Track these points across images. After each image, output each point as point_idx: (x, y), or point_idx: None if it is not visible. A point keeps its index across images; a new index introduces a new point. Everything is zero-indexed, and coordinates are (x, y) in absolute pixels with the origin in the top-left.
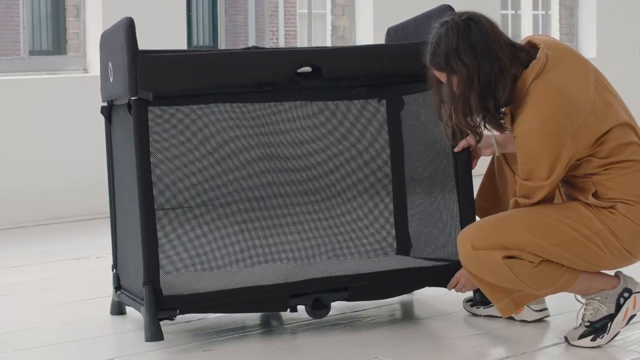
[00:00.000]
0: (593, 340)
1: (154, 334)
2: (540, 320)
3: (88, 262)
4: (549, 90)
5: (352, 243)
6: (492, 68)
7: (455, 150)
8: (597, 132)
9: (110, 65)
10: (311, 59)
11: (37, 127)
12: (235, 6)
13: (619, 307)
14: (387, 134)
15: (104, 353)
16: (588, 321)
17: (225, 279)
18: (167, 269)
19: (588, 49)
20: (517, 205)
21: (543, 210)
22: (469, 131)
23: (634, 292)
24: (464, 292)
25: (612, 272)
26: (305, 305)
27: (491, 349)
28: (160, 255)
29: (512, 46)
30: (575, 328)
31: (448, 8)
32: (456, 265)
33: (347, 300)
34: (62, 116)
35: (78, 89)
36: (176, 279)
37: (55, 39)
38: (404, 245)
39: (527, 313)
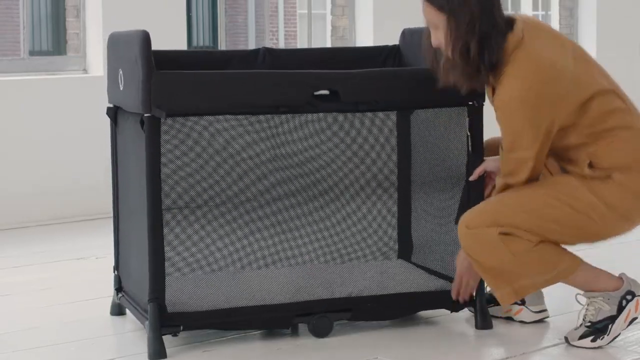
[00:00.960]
0: (593, 341)
1: (157, 352)
2: (539, 321)
3: (88, 262)
4: (529, 61)
5: (358, 247)
6: (490, 21)
7: (471, 179)
8: (578, 100)
9: (121, 72)
10: (329, 83)
11: (37, 128)
12: (235, 6)
13: (621, 308)
14: (395, 140)
15: (104, 353)
16: (589, 321)
17: (229, 293)
18: (168, 270)
19: (588, 49)
20: (504, 186)
21: (536, 189)
22: (465, 78)
23: (636, 294)
24: (470, 292)
25: (616, 274)
26: (308, 324)
27: (492, 349)
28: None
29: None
30: (576, 328)
31: None
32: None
33: (350, 320)
34: (62, 116)
35: (78, 90)
36: (180, 293)
37: (55, 40)
38: (405, 250)
39: (526, 314)
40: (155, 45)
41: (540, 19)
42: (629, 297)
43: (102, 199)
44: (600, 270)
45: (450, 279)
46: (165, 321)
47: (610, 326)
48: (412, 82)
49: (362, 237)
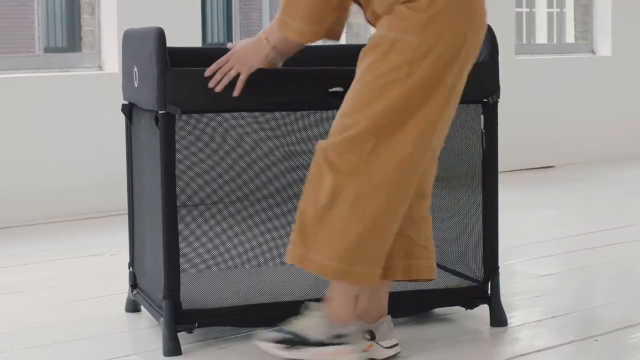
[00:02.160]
0: (277, 349)
1: (172, 349)
2: (393, 357)
3: (103, 259)
4: None
5: None
6: None
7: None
8: None
9: (135, 69)
10: (344, 80)
11: (52, 125)
12: (249, 3)
13: (326, 342)
14: None
15: (119, 350)
16: (293, 329)
17: (244, 290)
18: (184, 266)
19: (603, 47)
20: None
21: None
22: None
23: (349, 343)
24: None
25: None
26: None
27: (506, 346)
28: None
29: None
30: (270, 332)
31: (487, 28)
32: (481, 288)
33: None
34: (77, 113)
35: (93, 87)
36: (195, 290)
37: (70, 36)
38: None
39: (376, 351)
40: (170, 42)
41: (555, 16)
42: (344, 339)
43: (117, 195)
44: (351, 305)
45: (465, 277)
46: (180, 318)
47: (305, 346)
48: None
49: None
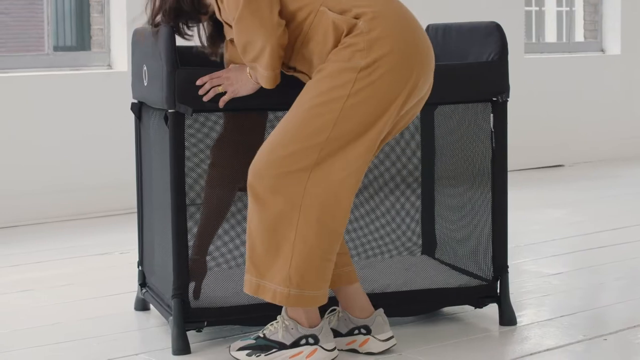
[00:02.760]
0: (249, 355)
1: (181, 348)
2: (388, 350)
3: (112, 257)
4: None
5: (381, 241)
6: None
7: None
8: None
9: (145, 68)
10: None
11: (61, 123)
12: None
13: (295, 344)
14: (419, 133)
15: (128, 348)
16: (263, 334)
17: None
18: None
19: (612, 46)
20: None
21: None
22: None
23: (318, 344)
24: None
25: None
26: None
27: (515, 345)
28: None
29: None
30: (243, 339)
31: (496, 27)
32: (490, 287)
33: None
34: (86, 112)
35: (102, 85)
36: (204, 288)
37: (79, 35)
38: (429, 245)
39: (373, 344)
40: (180, 41)
41: (564, 15)
42: (311, 340)
43: (126, 194)
44: (315, 310)
45: (474, 276)
46: (189, 317)
47: (275, 352)
48: (436, 77)
49: (386, 232)
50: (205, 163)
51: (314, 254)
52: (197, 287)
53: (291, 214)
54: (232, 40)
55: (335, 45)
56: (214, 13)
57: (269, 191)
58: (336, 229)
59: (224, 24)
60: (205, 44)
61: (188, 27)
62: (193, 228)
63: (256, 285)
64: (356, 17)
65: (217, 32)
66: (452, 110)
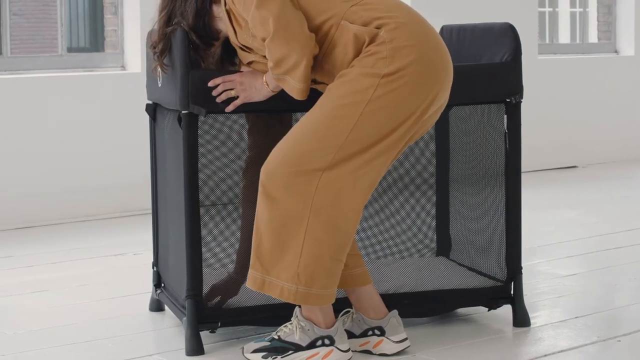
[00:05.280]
0: (265, 357)
1: (195, 348)
2: (402, 351)
3: (126, 258)
4: None
5: (392, 242)
6: None
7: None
8: None
9: (159, 69)
10: None
11: (75, 124)
12: None
13: (312, 345)
14: (433, 134)
15: (143, 349)
16: (278, 336)
17: None
18: (209, 262)
19: (626, 47)
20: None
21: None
22: None
23: (334, 345)
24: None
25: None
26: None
27: (529, 346)
28: (206, 254)
29: None
30: (257, 341)
31: (510, 28)
32: (504, 288)
33: None
34: (100, 113)
35: (116, 86)
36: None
37: (92, 36)
38: (444, 247)
39: (386, 345)
40: None
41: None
42: (327, 341)
43: (141, 195)
44: (329, 307)
45: (488, 277)
46: (202, 318)
47: (291, 353)
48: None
49: (400, 231)
50: (221, 162)
51: (324, 253)
52: (221, 301)
53: (302, 212)
54: (249, 64)
55: (356, 55)
56: (225, 38)
57: (280, 189)
58: (347, 230)
59: (238, 49)
60: (212, 66)
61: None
62: (207, 237)
63: (261, 281)
64: (378, 28)
65: (226, 55)
66: (466, 111)
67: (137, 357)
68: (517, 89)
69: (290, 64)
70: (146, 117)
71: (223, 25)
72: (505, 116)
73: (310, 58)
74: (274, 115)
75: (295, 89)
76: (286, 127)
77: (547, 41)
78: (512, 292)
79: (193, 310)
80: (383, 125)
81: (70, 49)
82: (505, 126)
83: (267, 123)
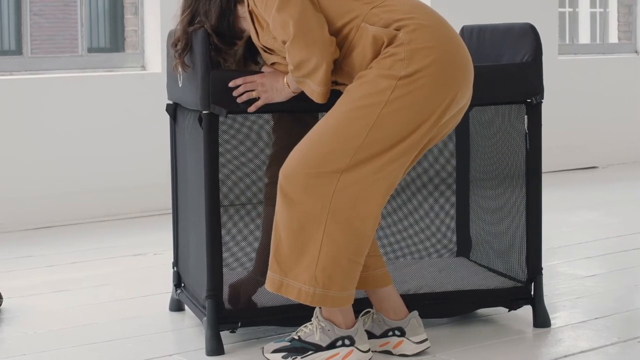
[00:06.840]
0: (285, 357)
1: (215, 348)
2: (422, 352)
3: (146, 258)
4: None
5: (410, 241)
6: None
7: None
8: None
9: (180, 69)
10: None
11: (95, 125)
12: None
13: (331, 346)
14: (454, 135)
15: (163, 349)
16: (298, 337)
17: None
18: (227, 261)
19: None
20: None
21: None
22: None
23: (354, 345)
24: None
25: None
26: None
27: (550, 347)
28: (225, 254)
29: None
30: (277, 341)
31: (530, 28)
32: (524, 288)
33: None
34: (120, 113)
35: (136, 87)
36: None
37: (113, 37)
38: (464, 247)
39: (407, 346)
40: None
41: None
42: (347, 341)
43: (161, 195)
44: (349, 308)
45: (508, 277)
46: (223, 318)
47: (311, 354)
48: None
49: (419, 229)
50: (239, 161)
51: (342, 255)
52: (242, 302)
53: (320, 214)
54: (273, 64)
55: (375, 56)
56: (248, 38)
57: (299, 190)
58: (365, 232)
59: (261, 50)
60: (233, 66)
61: (222, 58)
62: (228, 228)
63: (279, 283)
64: (397, 29)
65: (249, 54)
66: (486, 112)
67: (157, 357)
68: (537, 90)
69: (310, 67)
70: (166, 117)
71: (247, 24)
72: (525, 117)
73: (330, 61)
74: (297, 117)
75: (315, 92)
76: (311, 125)
77: (567, 41)
78: (532, 293)
79: (213, 311)
80: (401, 126)
81: (90, 49)
82: (525, 127)
83: (292, 121)
